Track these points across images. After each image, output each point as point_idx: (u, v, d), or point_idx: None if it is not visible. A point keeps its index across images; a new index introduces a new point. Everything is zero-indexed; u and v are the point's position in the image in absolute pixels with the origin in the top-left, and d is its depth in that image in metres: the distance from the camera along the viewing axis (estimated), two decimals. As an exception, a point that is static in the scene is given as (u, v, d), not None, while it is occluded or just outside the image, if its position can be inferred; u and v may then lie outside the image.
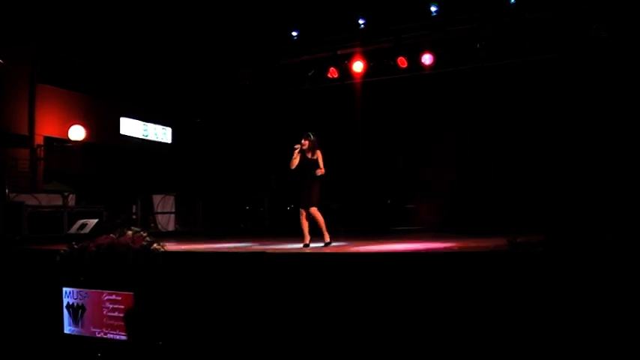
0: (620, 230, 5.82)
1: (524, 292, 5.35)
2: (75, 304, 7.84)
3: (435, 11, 14.23)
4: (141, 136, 17.68)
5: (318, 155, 8.71)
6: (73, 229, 11.42)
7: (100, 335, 7.59)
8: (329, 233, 8.71)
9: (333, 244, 8.66)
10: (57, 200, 12.89)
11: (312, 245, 8.48)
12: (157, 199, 16.00)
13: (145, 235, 7.81)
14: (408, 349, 5.80)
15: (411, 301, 5.89)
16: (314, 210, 8.56)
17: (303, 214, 8.65)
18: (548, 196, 12.98)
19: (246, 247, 9.23)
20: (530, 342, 5.30)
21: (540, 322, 5.28)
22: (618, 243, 5.43)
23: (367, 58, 15.50)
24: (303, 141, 8.71)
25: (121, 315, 7.40)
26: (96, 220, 11.51)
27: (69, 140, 15.36)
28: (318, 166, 8.65)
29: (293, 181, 8.97)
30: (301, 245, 8.48)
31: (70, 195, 13.17)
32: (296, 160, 8.69)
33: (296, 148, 8.68)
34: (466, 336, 5.59)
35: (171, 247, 8.11)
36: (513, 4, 13.49)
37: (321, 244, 8.53)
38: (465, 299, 5.65)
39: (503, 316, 5.40)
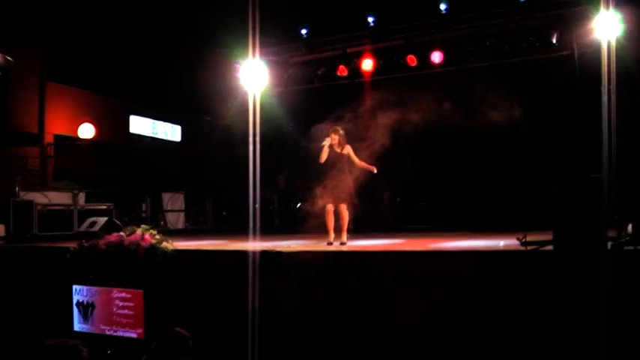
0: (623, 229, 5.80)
1: (534, 291, 5.34)
2: (85, 302, 7.88)
3: (445, 9, 14.21)
4: (150, 134, 17.73)
5: (349, 149, 8.61)
6: (83, 227, 11.43)
7: (109, 333, 7.64)
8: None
9: (348, 243, 8.54)
10: (67, 198, 12.94)
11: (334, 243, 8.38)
12: (166, 197, 16.01)
13: (154, 233, 7.85)
14: (412, 349, 5.80)
15: (414, 300, 5.88)
16: (344, 207, 8.38)
17: (330, 210, 8.43)
18: (555, 195, 12.87)
19: (257, 245, 9.20)
20: (535, 342, 5.29)
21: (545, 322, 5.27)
22: (623, 241, 5.42)
23: (377, 56, 15.46)
24: (332, 135, 8.59)
25: (131, 312, 7.43)
26: (105, 218, 11.54)
27: (79, 138, 15.42)
28: (348, 160, 8.57)
29: (303, 179, 8.89)
30: (325, 244, 8.37)
31: (80, 193, 13.22)
32: (325, 154, 8.54)
33: (325, 144, 8.58)
34: (468, 336, 5.59)
35: (181, 245, 8.14)
36: (522, 2, 13.42)
37: (337, 242, 8.38)
38: (470, 298, 5.64)
39: (508, 316, 5.39)
